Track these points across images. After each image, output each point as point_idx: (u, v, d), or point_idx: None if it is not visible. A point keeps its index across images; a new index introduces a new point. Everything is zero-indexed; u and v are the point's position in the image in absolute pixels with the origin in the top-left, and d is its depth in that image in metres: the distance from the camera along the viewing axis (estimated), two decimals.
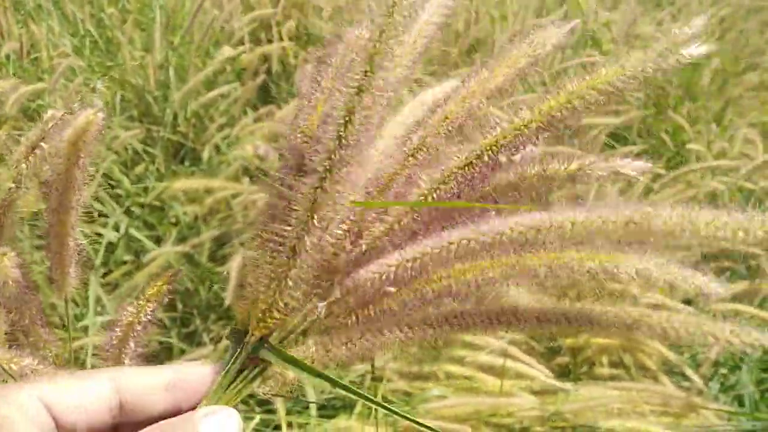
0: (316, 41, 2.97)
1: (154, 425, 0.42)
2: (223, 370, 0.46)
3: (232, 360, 0.46)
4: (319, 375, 0.47)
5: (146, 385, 0.44)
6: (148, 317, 0.56)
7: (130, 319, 0.55)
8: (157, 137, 2.43)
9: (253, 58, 2.75)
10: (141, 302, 0.55)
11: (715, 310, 1.71)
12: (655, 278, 0.43)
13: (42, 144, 0.52)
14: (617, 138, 2.76)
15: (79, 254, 0.55)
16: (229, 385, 0.46)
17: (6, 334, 0.56)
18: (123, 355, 0.52)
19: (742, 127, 2.74)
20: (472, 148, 0.48)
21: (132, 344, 0.52)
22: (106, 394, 0.42)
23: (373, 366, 1.54)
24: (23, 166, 0.53)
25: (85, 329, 1.65)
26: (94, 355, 1.42)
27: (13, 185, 0.53)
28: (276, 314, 0.45)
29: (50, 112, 0.53)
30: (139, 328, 0.52)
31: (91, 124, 0.47)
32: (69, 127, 0.47)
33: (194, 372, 0.46)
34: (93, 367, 1.40)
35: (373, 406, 1.57)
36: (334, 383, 0.47)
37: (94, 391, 0.42)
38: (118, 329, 0.53)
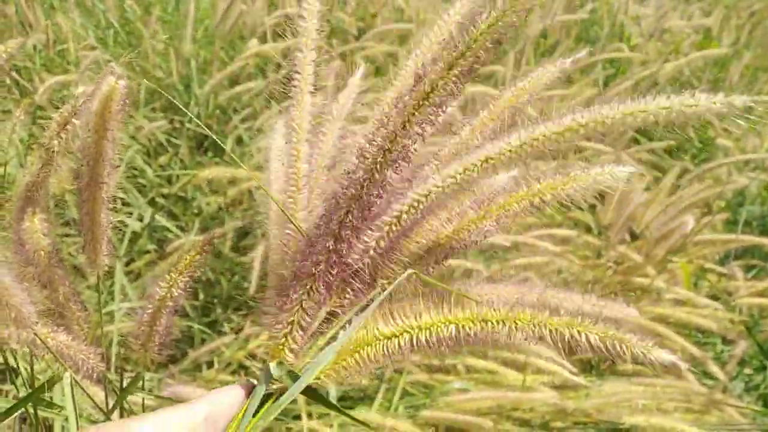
0: (340, 34, 2.97)
1: None
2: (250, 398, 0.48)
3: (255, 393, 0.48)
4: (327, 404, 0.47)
5: (188, 423, 0.46)
6: (180, 291, 0.56)
7: (163, 293, 0.55)
8: (180, 128, 2.45)
9: (276, 52, 2.75)
10: (174, 275, 0.55)
11: (741, 304, 1.69)
12: None
13: (74, 120, 0.52)
14: (643, 132, 2.73)
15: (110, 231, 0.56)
16: (255, 413, 0.48)
17: (42, 311, 0.56)
18: (154, 333, 0.52)
19: None
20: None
21: (164, 319, 0.53)
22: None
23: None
24: (54, 143, 0.53)
25: (109, 315, 1.66)
26: (121, 338, 1.43)
27: (44, 161, 0.53)
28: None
29: (81, 88, 0.53)
30: (170, 303, 0.53)
31: (115, 91, 0.47)
32: (95, 98, 0.48)
33: (227, 401, 0.48)
34: (119, 351, 1.42)
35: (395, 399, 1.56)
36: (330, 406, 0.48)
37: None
38: (150, 304, 0.53)
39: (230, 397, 0.48)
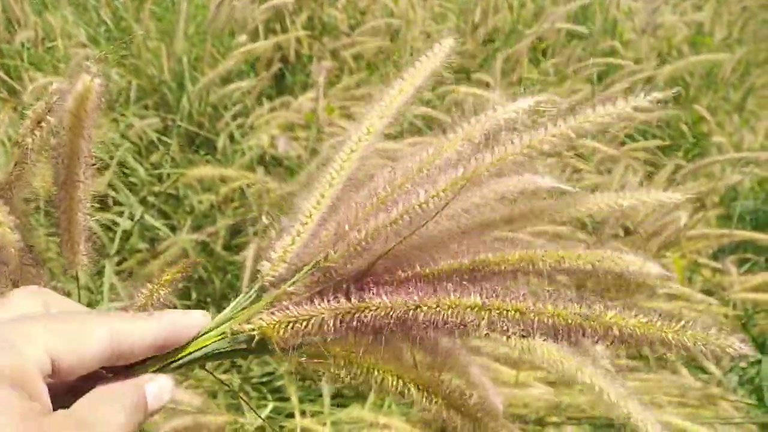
0: (331, 31, 2.96)
1: (104, 387, 0.44)
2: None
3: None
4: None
5: (142, 336, 0.45)
6: (161, 301, 0.55)
7: (143, 300, 0.55)
8: (171, 126, 2.43)
9: (267, 48, 2.74)
10: (155, 285, 0.55)
11: (735, 299, 1.69)
12: None
13: (48, 117, 0.51)
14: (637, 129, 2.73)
15: (89, 230, 0.55)
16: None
17: None
18: None
19: (764, 118, 2.70)
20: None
21: None
22: (104, 345, 0.43)
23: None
24: (29, 140, 0.52)
25: None
26: None
27: (19, 160, 0.52)
28: None
29: (55, 84, 0.52)
30: (151, 311, 0.52)
31: (90, 90, 0.46)
32: (70, 97, 0.47)
33: (188, 323, 0.48)
34: None
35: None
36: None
37: (94, 340, 0.43)
38: (131, 311, 0.52)
39: (194, 320, 0.48)
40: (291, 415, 1.53)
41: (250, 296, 0.50)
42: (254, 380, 1.75)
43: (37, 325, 0.42)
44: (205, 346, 0.48)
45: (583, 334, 0.44)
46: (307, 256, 0.50)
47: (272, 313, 0.48)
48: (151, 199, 2.26)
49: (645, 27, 3.07)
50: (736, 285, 1.86)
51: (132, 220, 2.11)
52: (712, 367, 1.68)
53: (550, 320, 0.44)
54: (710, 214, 2.17)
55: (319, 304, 0.47)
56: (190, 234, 2.05)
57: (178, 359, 0.48)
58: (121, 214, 2.11)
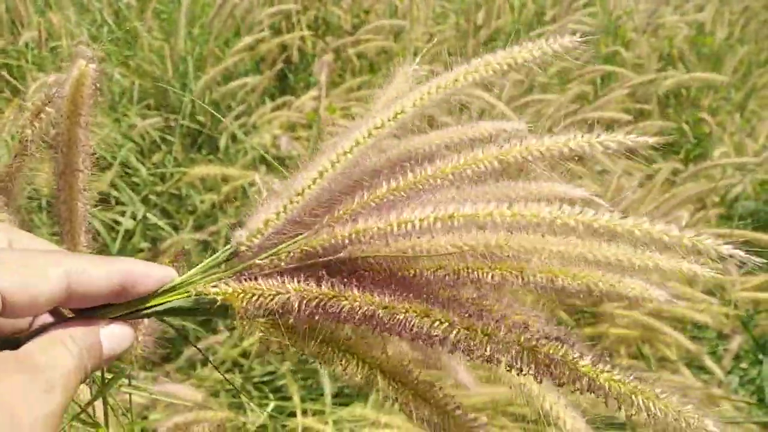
0: (335, 30, 2.97)
1: (56, 330, 0.42)
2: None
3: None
4: None
5: (98, 279, 0.43)
6: None
7: None
8: (174, 126, 2.44)
9: (271, 47, 2.74)
10: None
11: (737, 299, 1.68)
12: None
13: (47, 108, 0.51)
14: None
15: (89, 222, 0.55)
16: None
17: None
18: (137, 329, 0.52)
19: (766, 118, 2.70)
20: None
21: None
22: (59, 284, 0.41)
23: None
24: (28, 131, 0.52)
25: None
26: None
27: (19, 152, 0.52)
28: None
29: (53, 76, 0.52)
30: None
31: (85, 75, 0.47)
32: (66, 83, 0.47)
33: (147, 272, 0.46)
34: None
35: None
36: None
37: (48, 279, 0.41)
38: None
39: (155, 272, 0.46)
40: (293, 414, 1.53)
41: (218, 258, 0.49)
42: (256, 379, 1.75)
43: None
44: (168, 302, 0.47)
45: (551, 375, 0.43)
46: (289, 233, 0.48)
47: (239, 281, 0.47)
48: (153, 198, 2.27)
49: (646, 27, 3.06)
50: (736, 285, 1.86)
51: (134, 219, 2.12)
52: (713, 367, 1.68)
53: (517, 352, 0.43)
54: (711, 214, 2.17)
55: (288, 283, 0.46)
56: (192, 233, 2.06)
57: (140, 310, 0.47)
58: (123, 213, 2.12)
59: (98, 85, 0.47)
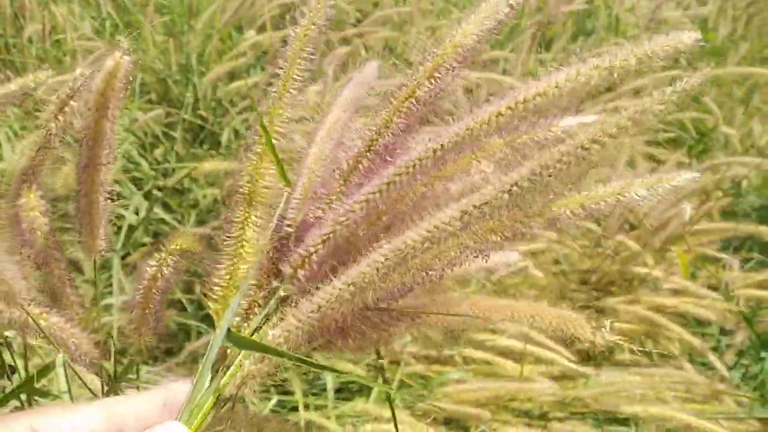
0: (339, 24, 2.95)
1: None
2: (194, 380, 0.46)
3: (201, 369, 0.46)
4: (289, 356, 0.46)
5: (140, 411, 0.43)
6: (171, 269, 0.55)
7: (153, 272, 0.54)
8: (176, 120, 2.43)
9: (274, 42, 2.73)
10: (163, 255, 0.55)
11: (739, 295, 1.69)
12: None
13: (72, 102, 0.51)
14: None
15: (109, 215, 0.55)
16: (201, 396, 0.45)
17: (35, 292, 0.55)
18: (147, 315, 0.52)
19: None
20: None
21: (156, 301, 0.52)
22: (98, 426, 0.42)
23: (377, 353, 1.53)
24: (52, 125, 0.52)
25: (105, 308, 1.66)
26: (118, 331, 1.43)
27: (43, 145, 0.52)
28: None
29: (79, 70, 0.52)
30: (161, 283, 0.52)
31: (119, 67, 0.47)
32: (97, 75, 0.47)
33: (185, 389, 0.46)
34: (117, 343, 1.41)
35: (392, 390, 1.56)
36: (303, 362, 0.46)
37: (86, 422, 0.41)
38: (141, 286, 0.52)
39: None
40: (295, 409, 1.53)
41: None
42: None
43: (33, 411, 0.42)
44: None
45: None
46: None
47: None
48: (155, 193, 2.26)
49: (648, 23, 3.06)
50: (739, 281, 1.86)
51: (137, 214, 2.12)
52: (716, 362, 1.68)
53: None
54: (715, 208, 2.17)
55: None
56: (194, 228, 2.05)
57: None
58: (126, 207, 2.12)
59: (130, 78, 0.47)
